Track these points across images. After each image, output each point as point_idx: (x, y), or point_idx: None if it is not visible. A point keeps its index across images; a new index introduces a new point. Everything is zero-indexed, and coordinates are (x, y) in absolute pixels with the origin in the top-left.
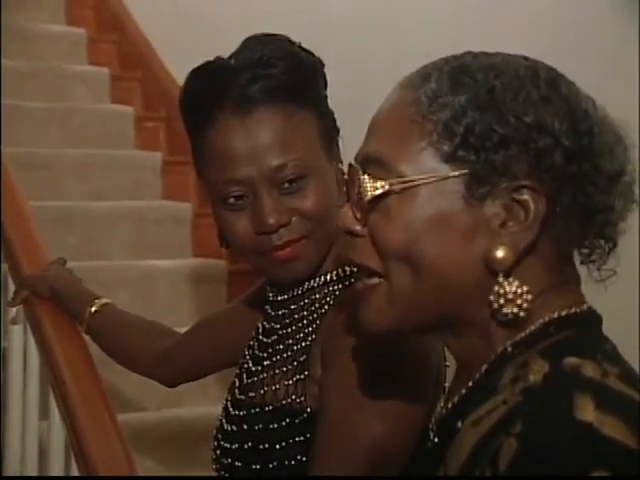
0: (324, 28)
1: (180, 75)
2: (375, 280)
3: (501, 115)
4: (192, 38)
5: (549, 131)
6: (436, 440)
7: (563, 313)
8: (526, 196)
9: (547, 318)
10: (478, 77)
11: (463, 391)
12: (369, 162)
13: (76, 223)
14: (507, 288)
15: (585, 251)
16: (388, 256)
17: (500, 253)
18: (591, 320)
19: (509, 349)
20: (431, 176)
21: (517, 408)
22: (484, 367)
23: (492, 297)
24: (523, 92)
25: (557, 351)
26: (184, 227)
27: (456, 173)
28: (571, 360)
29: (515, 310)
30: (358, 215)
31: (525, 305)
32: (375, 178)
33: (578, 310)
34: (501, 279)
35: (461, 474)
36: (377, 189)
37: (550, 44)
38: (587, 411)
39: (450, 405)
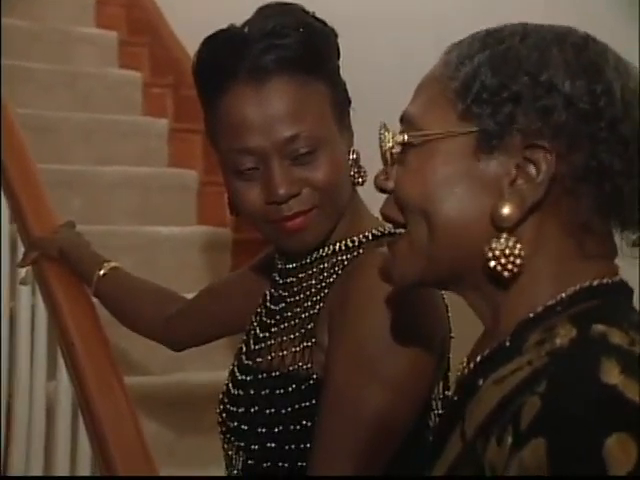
0: (332, 18)
1: (189, 42)
2: (400, 235)
3: (514, 72)
4: (202, 4)
5: (560, 89)
6: (455, 398)
7: (595, 282)
8: (537, 155)
9: (578, 287)
10: (504, 39)
11: (487, 351)
12: (401, 121)
13: (80, 187)
14: (499, 245)
15: (617, 223)
16: (406, 208)
17: (505, 210)
18: (622, 291)
19: (537, 313)
20: (444, 132)
21: (542, 369)
22: (510, 329)
23: (485, 248)
24: (541, 51)
25: (586, 317)
26: (189, 195)
27: (468, 129)
28: (599, 327)
29: (499, 268)
30: (388, 172)
31: (510, 266)
32: (398, 133)
33: (610, 281)
34: (504, 236)
35: (481, 430)
36: (394, 141)
37: None
38: (612, 374)
39: (472, 365)
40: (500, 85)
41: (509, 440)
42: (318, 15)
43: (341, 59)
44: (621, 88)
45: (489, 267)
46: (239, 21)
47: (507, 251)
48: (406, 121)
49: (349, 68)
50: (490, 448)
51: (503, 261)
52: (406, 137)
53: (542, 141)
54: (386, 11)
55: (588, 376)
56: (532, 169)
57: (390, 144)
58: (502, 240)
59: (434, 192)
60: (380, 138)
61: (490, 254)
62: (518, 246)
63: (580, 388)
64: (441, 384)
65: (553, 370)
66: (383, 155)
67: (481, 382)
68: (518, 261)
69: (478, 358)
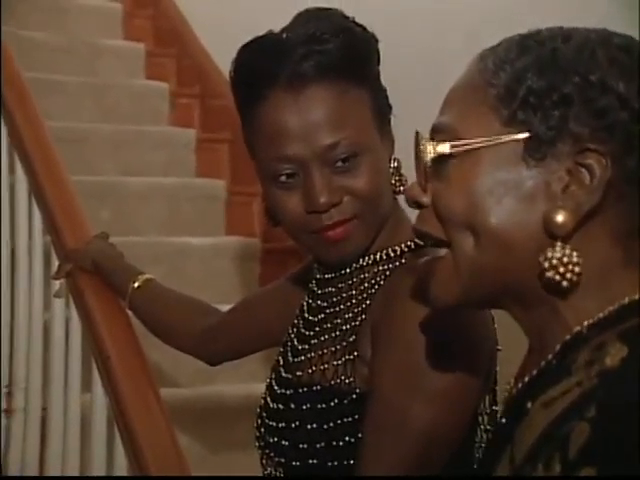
0: (362, 11)
1: (215, 52)
2: (441, 251)
3: (563, 74)
4: (228, 14)
5: (614, 91)
6: (504, 420)
7: None
8: (590, 160)
9: (627, 300)
10: (545, 42)
11: (534, 371)
12: (435, 132)
13: (109, 199)
14: (555, 253)
15: None
16: (449, 222)
17: (560, 217)
18: None
19: (585, 330)
20: (490, 139)
21: (592, 392)
22: (557, 347)
23: (540, 258)
24: (588, 52)
25: (636, 335)
26: (217, 205)
27: (516, 136)
28: None
29: (557, 278)
30: (424, 185)
31: (569, 275)
32: (438, 142)
33: None
34: (559, 244)
35: (529, 456)
36: (437, 151)
37: None
38: None
39: (520, 385)
40: (549, 88)
41: (557, 468)
42: (349, 8)
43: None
44: None
45: (547, 278)
46: (265, 29)
47: (565, 259)
48: (442, 131)
49: (389, 74)
50: (537, 475)
51: (562, 270)
52: (448, 148)
53: (595, 145)
54: (421, 13)
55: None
56: (585, 174)
57: (432, 155)
58: (558, 248)
59: (481, 203)
60: (419, 149)
61: (547, 264)
62: (575, 253)
63: (631, 414)
64: (487, 398)
65: (603, 394)
66: (423, 168)
67: (530, 405)
68: (577, 269)
69: (526, 378)
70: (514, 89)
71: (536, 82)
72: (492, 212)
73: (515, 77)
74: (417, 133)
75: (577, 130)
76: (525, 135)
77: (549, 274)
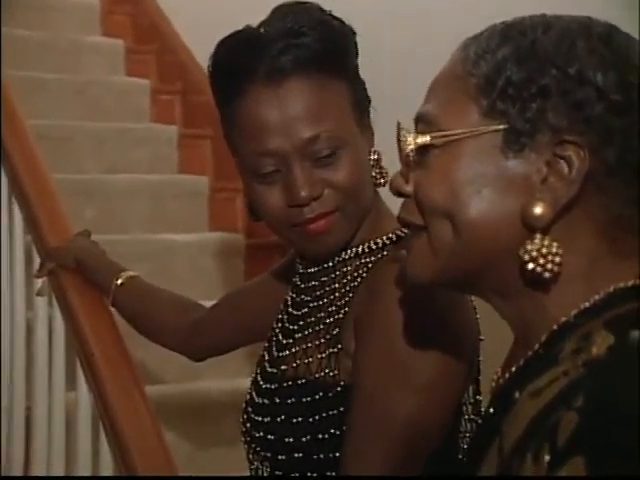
0: (349, 10)
1: (196, 48)
2: (419, 235)
3: (541, 66)
4: (208, 9)
5: (592, 82)
6: (491, 410)
7: (629, 284)
8: (568, 152)
9: (612, 288)
10: (526, 31)
11: (521, 361)
12: (417, 122)
13: (93, 196)
14: (534, 245)
15: None
16: (429, 211)
17: (538, 209)
18: None
19: (571, 319)
20: (469, 130)
21: (579, 381)
22: (543, 337)
23: (520, 251)
24: (568, 43)
25: (622, 323)
26: (201, 201)
27: (494, 127)
28: (637, 333)
29: (538, 269)
30: (406, 175)
31: (549, 266)
32: (418, 134)
33: None
34: (538, 236)
35: (517, 446)
36: (417, 143)
37: None
38: None
39: (507, 375)
40: (528, 79)
41: (546, 458)
42: (338, 8)
43: (362, 49)
44: None
45: (527, 270)
46: (246, 24)
47: (544, 250)
48: (424, 121)
49: (368, 66)
50: (526, 465)
51: (542, 261)
52: (428, 138)
53: (573, 136)
54: (402, 6)
55: (627, 390)
56: (564, 166)
57: (412, 146)
58: (537, 240)
59: (460, 193)
60: (400, 140)
61: (527, 256)
62: (555, 244)
63: (619, 404)
64: (471, 388)
65: (590, 383)
66: (404, 158)
67: (517, 394)
68: (557, 259)
69: (513, 368)
70: (493, 79)
71: (515, 73)
72: (471, 202)
73: (495, 67)
74: (398, 124)
75: (555, 122)
76: (503, 126)
77: (530, 266)
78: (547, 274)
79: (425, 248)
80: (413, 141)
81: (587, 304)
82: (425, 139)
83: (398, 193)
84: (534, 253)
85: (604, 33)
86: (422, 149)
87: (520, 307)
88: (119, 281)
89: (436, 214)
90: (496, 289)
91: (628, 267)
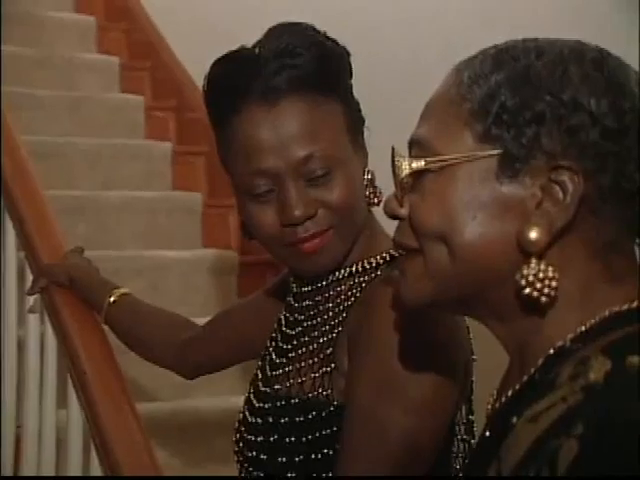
0: (339, 20)
1: (190, 65)
2: (414, 258)
3: (536, 92)
4: (203, 27)
5: (585, 108)
6: (488, 434)
7: (625, 307)
8: (563, 177)
9: (607, 312)
10: (519, 57)
11: (517, 386)
12: (412, 145)
13: (86, 212)
14: (530, 270)
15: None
16: (424, 234)
17: (533, 234)
18: None
19: (568, 343)
20: (464, 155)
21: (577, 407)
22: (540, 361)
23: (517, 276)
24: (561, 69)
25: (619, 348)
26: (194, 217)
27: (489, 152)
28: (634, 359)
29: (535, 294)
30: (400, 199)
31: (546, 290)
32: (413, 158)
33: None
34: (533, 261)
35: (516, 472)
36: (412, 168)
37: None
38: None
39: (504, 399)
40: (522, 106)
41: None
42: (327, 16)
43: (353, 58)
44: None
45: (524, 294)
46: (240, 43)
47: (541, 275)
48: (419, 145)
49: (361, 68)
50: None
51: (539, 286)
52: (423, 163)
53: (568, 162)
54: (396, 7)
55: (626, 417)
56: (558, 191)
57: (407, 171)
58: (533, 265)
59: (455, 218)
60: (394, 164)
61: (523, 281)
62: (551, 269)
63: (618, 432)
64: (464, 409)
65: (589, 410)
66: (399, 182)
67: (515, 419)
68: (554, 284)
69: (509, 392)
70: (487, 105)
71: (509, 99)
72: (466, 227)
73: (489, 93)
74: (393, 148)
75: (550, 148)
76: (498, 151)
77: (527, 291)
78: (544, 298)
79: (420, 271)
80: (408, 166)
81: (583, 328)
82: (420, 164)
83: (393, 216)
84: (530, 278)
85: (597, 58)
86: (417, 173)
87: (516, 330)
88: (112, 299)
89: (431, 238)
90: (492, 312)
91: (623, 290)
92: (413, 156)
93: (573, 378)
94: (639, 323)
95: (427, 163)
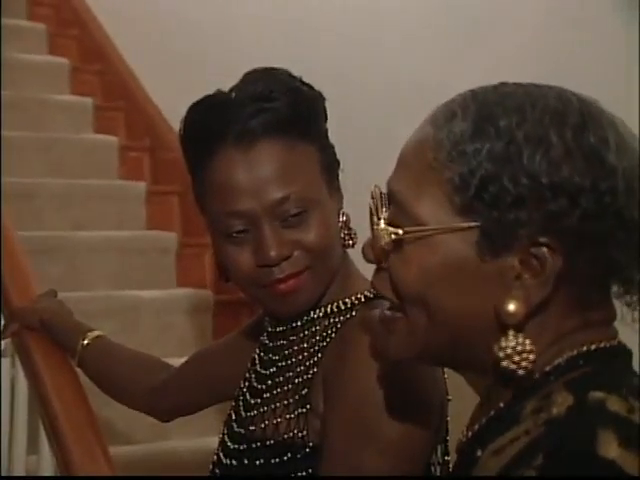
0: (310, 45)
1: (164, 105)
2: (397, 314)
3: (515, 173)
4: (178, 69)
5: (566, 191)
6: (456, 469)
7: (592, 347)
8: (542, 252)
9: (575, 352)
10: (500, 125)
11: (484, 420)
12: (392, 199)
13: (59, 253)
14: (508, 342)
15: (617, 290)
16: (404, 297)
17: (512, 307)
18: (619, 354)
19: (534, 380)
20: (444, 227)
21: (539, 440)
22: (509, 396)
23: (495, 348)
24: (543, 147)
25: (582, 384)
26: (169, 257)
27: (469, 225)
28: (597, 394)
29: (513, 366)
30: (379, 255)
31: (524, 364)
32: (394, 222)
33: (607, 345)
34: (511, 333)
35: None
36: (391, 237)
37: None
38: (610, 448)
39: (470, 433)
40: (501, 188)
41: None
42: (298, 43)
43: (322, 81)
44: (623, 172)
45: (502, 367)
46: (217, 86)
47: (519, 348)
48: (397, 204)
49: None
50: None
51: (517, 359)
52: (401, 232)
53: (547, 239)
54: (366, 34)
55: (585, 450)
56: (537, 265)
57: (387, 239)
58: (511, 337)
59: (433, 285)
60: (374, 229)
61: (502, 354)
62: (528, 342)
63: (576, 463)
64: (440, 449)
65: (549, 442)
66: (379, 251)
67: (479, 453)
68: (532, 357)
69: (476, 427)
70: (468, 179)
71: (489, 178)
72: (444, 295)
73: (470, 168)
74: (370, 207)
75: (529, 229)
76: (477, 224)
77: (504, 364)
78: (521, 371)
79: (404, 329)
80: (387, 236)
81: (549, 367)
82: (399, 232)
83: (369, 261)
84: (509, 351)
85: (578, 125)
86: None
87: (488, 380)
88: (85, 341)
89: (411, 301)
90: (470, 368)
91: (592, 333)
92: (391, 217)
93: (536, 412)
94: (604, 361)
95: (406, 232)
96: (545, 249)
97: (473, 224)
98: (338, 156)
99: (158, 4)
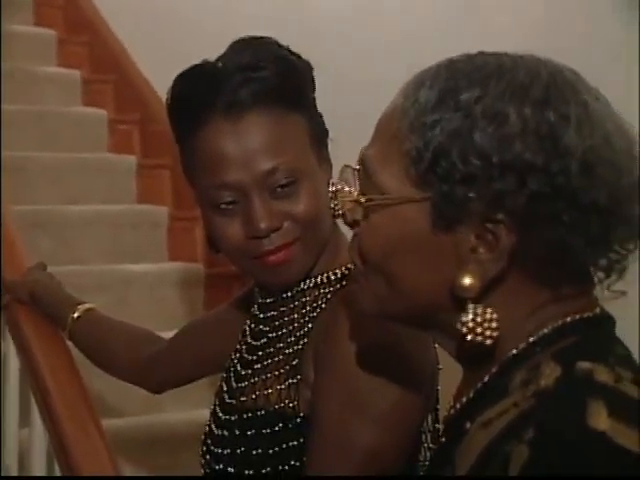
0: (308, 37)
1: (154, 77)
2: (361, 278)
3: (465, 149)
4: (167, 40)
5: (516, 170)
6: (443, 440)
7: (577, 317)
8: (496, 227)
9: (560, 322)
10: (461, 98)
11: (471, 392)
12: (362, 164)
13: (50, 227)
14: (468, 316)
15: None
16: (365, 263)
17: (467, 280)
18: (604, 323)
19: (521, 351)
20: (400, 197)
21: (529, 412)
22: (494, 368)
23: (457, 325)
24: (498, 123)
25: (569, 354)
26: (160, 231)
27: (421, 197)
28: (584, 364)
29: (479, 338)
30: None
31: (488, 332)
32: (362, 189)
33: (590, 314)
34: (470, 306)
35: (470, 476)
36: (351, 202)
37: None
38: (600, 419)
39: (459, 406)
40: (452, 166)
41: None
42: (296, 33)
43: (320, 75)
44: (583, 152)
45: (469, 341)
46: (205, 56)
47: (479, 319)
48: (365, 169)
49: (328, 85)
50: None
51: (479, 330)
52: (363, 200)
53: (500, 215)
54: (364, 28)
55: (575, 422)
56: (492, 239)
57: (349, 205)
58: (470, 310)
59: (391, 254)
60: (339, 197)
61: (464, 329)
62: (489, 310)
63: (568, 436)
64: (430, 417)
65: (540, 415)
66: (345, 215)
67: (468, 425)
68: (494, 324)
69: (464, 399)
70: (422, 153)
71: (441, 152)
72: (402, 266)
73: (424, 140)
74: (332, 183)
75: (480, 205)
76: (430, 196)
77: (469, 337)
78: (489, 341)
79: (367, 292)
80: (348, 202)
81: (535, 337)
82: (361, 200)
83: (349, 226)
84: (470, 324)
85: (539, 98)
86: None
87: (467, 348)
88: (76, 314)
89: (372, 268)
90: (437, 331)
91: (572, 304)
92: (360, 184)
93: (525, 384)
94: (589, 331)
95: (368, 200)
96: (502, 225)
97: (426, 196)
98: (328, 124)
99: None
